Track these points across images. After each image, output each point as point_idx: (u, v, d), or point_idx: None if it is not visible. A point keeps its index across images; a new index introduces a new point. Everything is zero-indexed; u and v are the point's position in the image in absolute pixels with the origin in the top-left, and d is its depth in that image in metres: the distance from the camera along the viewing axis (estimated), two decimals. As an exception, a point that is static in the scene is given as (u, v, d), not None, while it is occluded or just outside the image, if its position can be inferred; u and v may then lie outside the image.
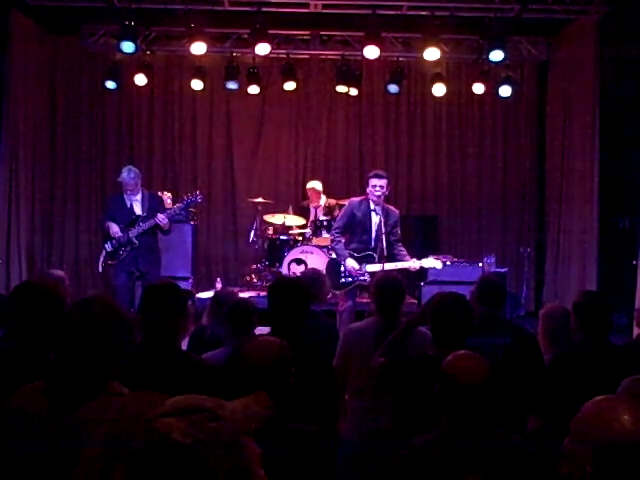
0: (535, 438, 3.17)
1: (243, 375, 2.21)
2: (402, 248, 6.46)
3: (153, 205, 6.97)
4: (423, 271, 7.76)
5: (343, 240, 6.54)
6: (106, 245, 6.85)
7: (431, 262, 6.51)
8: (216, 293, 4.93)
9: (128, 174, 6.87)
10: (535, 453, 2.30)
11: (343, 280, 6.44)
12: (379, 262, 6.21)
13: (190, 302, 3.19)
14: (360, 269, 6.32)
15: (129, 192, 6.88)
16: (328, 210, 8.72)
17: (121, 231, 6.76)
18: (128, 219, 6.82)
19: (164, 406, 1.47)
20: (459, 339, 3.09)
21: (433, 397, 2.40)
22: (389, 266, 6.22)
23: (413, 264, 6.36)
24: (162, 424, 1.40)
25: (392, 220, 6.43)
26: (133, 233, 6.74)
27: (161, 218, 6.74)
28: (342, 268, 6.45)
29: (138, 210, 6.88)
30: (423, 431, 2.38)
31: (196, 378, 2.71)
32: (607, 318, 3.45)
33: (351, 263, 6.35)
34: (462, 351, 2.46)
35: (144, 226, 6.76)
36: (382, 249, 6.19)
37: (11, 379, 2.34)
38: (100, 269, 7.06)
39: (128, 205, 6.89)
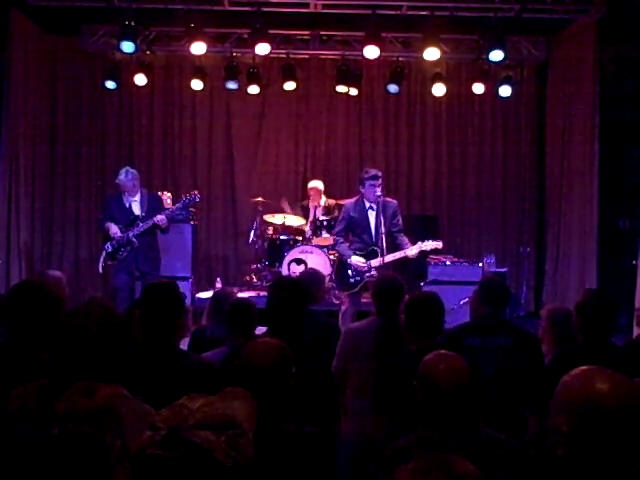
0: (535, 439, 3.17)
1: (243, 376, 2.21)
2: (404, 238, 6.47)
3: (152, 205, 6.97)
4: (423, 270, 7.78)
5: (345, 242, 6.56)
6: (106, 246, 6.86)
7: (431, 244, 6.51)
8: (215, 293, 4.92)
9: (125, 176, 6.88)
10: (522, 450, 2.30)
11: (352, 280, 6.45)
12: (381, 256, 6.22)
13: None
14: (366, 264, 6.33)
15: (127, 193, 6.89)
16: (327, 210, 8.72)
17: (120, 231, 6.76)
18: (127, 219, 6.83)
19: (193, 414, 1.43)
20: (434, 329, 3.27)
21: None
22: (391, 256, 6.24)
23: (413, 250, 6.35)
24: (202, 439, 1.37)
25: (391, 211, 6.45)
26: (132, 233, 6.75)
27: (159, 219, 6.75)
28: (349, 269, 6.45)
29: (137, 210, 6.89)
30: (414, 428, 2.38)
31: (196, 377, 2.71)
32: (609, 319, 3.43)
33: (356, 259, 6.37)
34: (441, 351, 2.45)
35: (143, 226, 6.76)
36: (383, 247, 6.21)
37: (7, 378, 2.34)
38: (100, 270, 7.07)
39: (127, 205, 6.90)
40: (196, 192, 7.15)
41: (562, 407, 1.69)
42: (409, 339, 3.36)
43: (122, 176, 6.89)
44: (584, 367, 1.74)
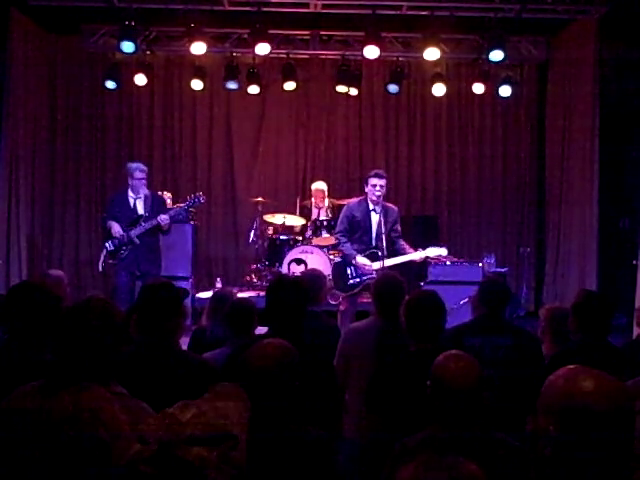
0: (533, 438, 3.16)
1: (248, 377, 2.20)
2: (403, 243, 6.46)
3: (156, 205, 6.97)
4: (423, 270, 7.77)
5: (348, 242, 6.52)
6: (107, 244, 6.82)
7: (435, 251, 6.50)
8: (215, 293, 4.92)
9: (139, 168, 6.88)
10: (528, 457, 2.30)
11: (351, 282, 6.43)
12: (381, 259, 6.20)
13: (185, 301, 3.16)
14: (371, 266, 6.32)
15: (137, 184, 6.83)
16: (332, 211, 8.70)
17: (123, 230, 6.75)
18: (130, 218, 6.81)
19: (184, 428, 1.41)
20: (434, 331, 3.21)
21: (423, 391, 2.40)
22: (394, 260, 6.22)
23: (419, 254, 6.35)
24: (194, 456, 1.35)
25: (392, 217, 6.44)
26: (135, 233, 6.73)
27: (163, 218, 6.74)
28: (349, 270, 6.44)
29: (141, 210, 6.88)
30: (416, 428, 2.38)
31: (195, 377, 2.70)
32: (605, 319, 3.41)
33: (362, 260, 6.33)
34: (453, 351, 2.45)
35: (146, 226, 6.75)
36: (383, 248, 6.18)
37: (8, 378, 2.34)
38: (100, 268, 7.03)
39: (131, 204, 6.88)
40: (201, 193, 7.15)
41: (548, 407, 1.69)
42: (410, 340, 3.35)
43: (137, 170, 6.87)
44: (569, 366, 1.75)
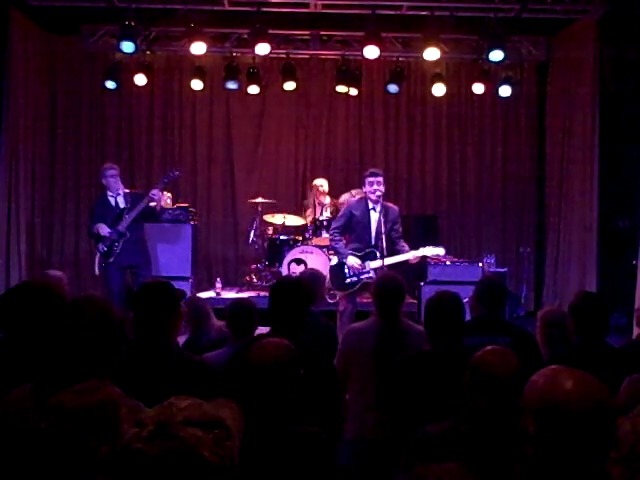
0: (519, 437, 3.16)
1: (249, 376, 2.20)
2: (404, 244, 6.46)
3: (135, 199, 7.12)
4: (423, 270, 7.77)
5: (343, 240, 6.53)
6: (99, 247, 6.96)
7: (432, 250, 6.49)
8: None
9: (111, 166, 7.16)
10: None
11: (349, 280, 6.43)
12: (381, 259, 6.19)
13: (182, 302, 3.15)
14: (363, 266, 6.32)
15: (111, 181, 7.01)
16: (334, 209, 8.68)
17: (110, 228, 6.84)
18: (114, 214, 6.95)
19: (181, 411, 1.42)
20: (454, 334, 3.16)
21: (434, 391, 2.39)
22: (390, 260, 6.21)
23: (414, 253, 6.35)
24: (189, 435, 1.36)
25: (392, 217, 6.43)
26: (122, 226, 6.90)
27: (154, 192, 6.94)
28: (346, 269, 6.43)
29: (122, 205, 7.05)
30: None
31: (191, 377, 2.69)
32: (603, 320, 3.41)
33: (352, 260, 6.33)
34: (495, 346, 2.46)
35: (132, 215, 6.91)
36: (382, 247, 6.18)
37: (7, 378, 2.34)
38: (97, 271, 7.08)
39: (113, 203, 7.06)
40: (176, 170, 7.48)
41: (529, 407, 1.68)
42: (426, 339, 3.32)
43: (106, 165, 7.23)
44: (551, 367, 1.74)
